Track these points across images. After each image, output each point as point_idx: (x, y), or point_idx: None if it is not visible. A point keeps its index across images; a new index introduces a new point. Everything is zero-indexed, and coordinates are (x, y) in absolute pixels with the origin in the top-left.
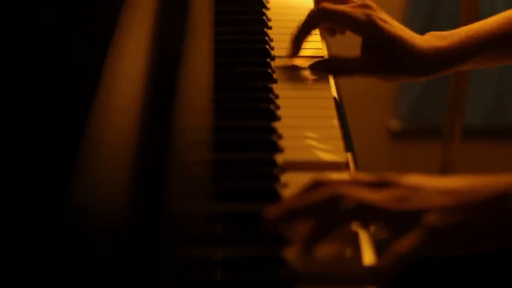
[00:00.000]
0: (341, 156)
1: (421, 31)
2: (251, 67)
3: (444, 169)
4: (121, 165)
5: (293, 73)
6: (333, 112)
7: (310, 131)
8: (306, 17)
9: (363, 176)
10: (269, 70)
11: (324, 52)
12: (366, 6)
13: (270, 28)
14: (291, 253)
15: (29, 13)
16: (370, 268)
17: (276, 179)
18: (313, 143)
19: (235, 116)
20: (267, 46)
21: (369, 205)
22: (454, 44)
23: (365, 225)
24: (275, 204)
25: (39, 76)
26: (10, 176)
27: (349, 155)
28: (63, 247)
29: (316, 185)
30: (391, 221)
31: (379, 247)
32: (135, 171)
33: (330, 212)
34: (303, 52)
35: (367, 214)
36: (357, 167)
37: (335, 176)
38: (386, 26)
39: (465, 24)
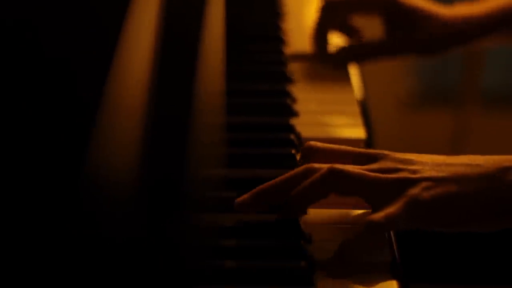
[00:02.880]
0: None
1: None
2: (261, 30)
3: (459, 137)
4: (136, 129)
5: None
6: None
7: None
8: (317, 14)
9: (350, 149)
10: (280, 35)
11: None
12: None
13: None
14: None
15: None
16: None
17: (292, 143)
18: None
19: (247, 80)
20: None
21: (341, 169)
22: (489, 10)
23: (343, 194)
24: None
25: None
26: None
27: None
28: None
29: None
30: (370, 191)
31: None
32: (152, 133)
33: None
34: None
35: (339, 178)
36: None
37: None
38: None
39: None
